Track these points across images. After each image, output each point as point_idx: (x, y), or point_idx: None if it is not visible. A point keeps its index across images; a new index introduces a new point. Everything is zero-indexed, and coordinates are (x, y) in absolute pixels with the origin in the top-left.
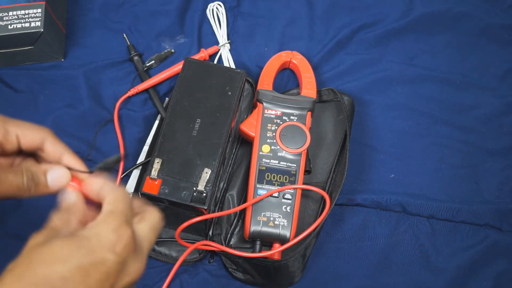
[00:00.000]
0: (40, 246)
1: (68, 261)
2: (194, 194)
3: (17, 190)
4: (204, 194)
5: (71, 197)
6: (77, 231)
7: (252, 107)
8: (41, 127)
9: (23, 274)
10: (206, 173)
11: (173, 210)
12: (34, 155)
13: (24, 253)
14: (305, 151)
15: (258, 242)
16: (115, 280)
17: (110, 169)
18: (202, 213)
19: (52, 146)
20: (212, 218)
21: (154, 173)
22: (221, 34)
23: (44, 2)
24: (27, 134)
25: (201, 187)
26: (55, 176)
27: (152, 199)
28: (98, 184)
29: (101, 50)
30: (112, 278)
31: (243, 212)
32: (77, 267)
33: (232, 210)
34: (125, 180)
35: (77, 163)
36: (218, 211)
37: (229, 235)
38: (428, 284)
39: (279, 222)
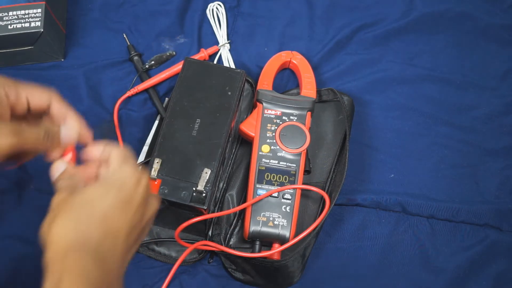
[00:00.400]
0: (71, 196)
1: (105, 199)
2: (194, 194)
3: (35, 141)
4: (204, 194)
5: (62, 166)
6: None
7: (252, 107)
8: (48, 89)
9: (68, 219)
10: (206, 173)
11: (172, 210)
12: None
13: (56, 207)
14: (305, 151)
15: (257, 242)
16: (144, 212)
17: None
18: (201, 213)
19: (58, 107)
20: (212, 218)
21: (153, 173)
22: (221, 34)
23: (44, 2)
24: (36, 95)
25: (200, 187)
26: (67, 131)
27: None
28: (101, 144)
29: (101, 50)
30: (141, 210)
31: (242, 212)
32: (114, 203)
33: (231, 210)
34: None
35: (80, 123)
36: (217, 211)
37: (228, 235)
38: (428, 284)
39: (279, 222)
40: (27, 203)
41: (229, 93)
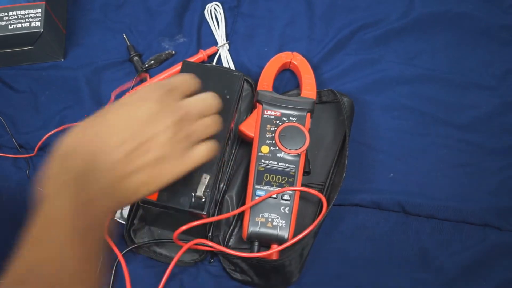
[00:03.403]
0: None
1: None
2: (193, 200)
3: None
4: (203, 200)
5: None
6: None
7: (251, 107)
8: None
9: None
10: (205, 178)
11: (172, 214)
12: None
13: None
14: (304, 152)
15: (256, 243)
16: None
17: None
18: (201, 218)
19: None
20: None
21: None
22: (220, 34)
23: (44, 2)
24: None
25: (199, 192)
26: None
27: (151, 205)
28: None
29: (101, 50)
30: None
31: (241, 213)
32: (143, 94)
33: (230, 214)
34: None
35: None
36: (217, 213)
37: (227, 236)
38: (428, 284)
39: (277, 223)
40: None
41: (228, 96)
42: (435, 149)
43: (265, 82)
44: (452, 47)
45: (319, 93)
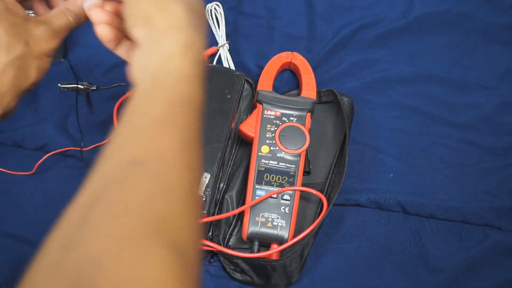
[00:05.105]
0: None
1: None
2: None
3: (69, 28)
4: (204, 199)
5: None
6: None
7: (251, 107)
8: None
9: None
10: (205, 177)
11: None
12: None
13: None
14: (304, 152)
15: (256, 243)
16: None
17: None
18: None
19: None
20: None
21: None
22: (220, 34)
23: None
24: None
25: (200, 192)
26: (89, 4)
27: None
28: None
29: (101, 50)
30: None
31: (241, 213)
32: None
33: (230, 213)
34: None
35: None
36: (217, 213)
37: (227, 236)
38: (427, 284)
39: (278, 223)
40: (27, 203)
41: (228, 96)
42: (435, 149)
43: (265, 82)
44: (452, 47)
45: (319, 93)
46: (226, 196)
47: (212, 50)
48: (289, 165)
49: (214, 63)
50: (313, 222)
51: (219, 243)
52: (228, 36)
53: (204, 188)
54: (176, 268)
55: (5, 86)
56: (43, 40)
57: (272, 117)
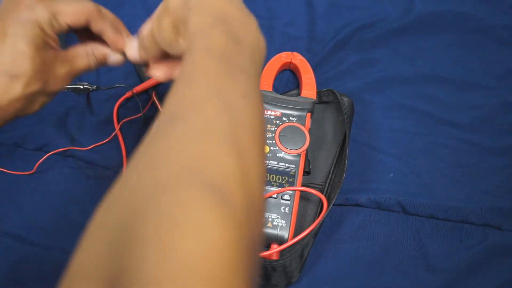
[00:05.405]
0: None
1: None
2: None
3: (87, 69)
4: None
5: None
6: None
7: None
8: (84, 3)
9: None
10: None
11: None
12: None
13: None
14: (304, 152)
15: None
16: None
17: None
18: None
19: (96, 24)
20: None
21: None
22: None
23: None
24: (72, 11)
25: None
26: (114, 59)
27: None
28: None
29: None
30: None
31: None
32: None
33: None
34: None
35: (120, 34)
36: None
37: None
38: (427, 284)
39: (278, 223)
40: (27, 203)
41: None
42: (435, 149)
43: (265, 82)
44: (453, 47)
45: (319, 93)
46: None
47: None
48: (289, 165)
49: None
50: (313, 222)
51: None
52: None
53: None
54: (218, 211)
55: (9, 116)
56: (61, 81)
57: (272, 117)
